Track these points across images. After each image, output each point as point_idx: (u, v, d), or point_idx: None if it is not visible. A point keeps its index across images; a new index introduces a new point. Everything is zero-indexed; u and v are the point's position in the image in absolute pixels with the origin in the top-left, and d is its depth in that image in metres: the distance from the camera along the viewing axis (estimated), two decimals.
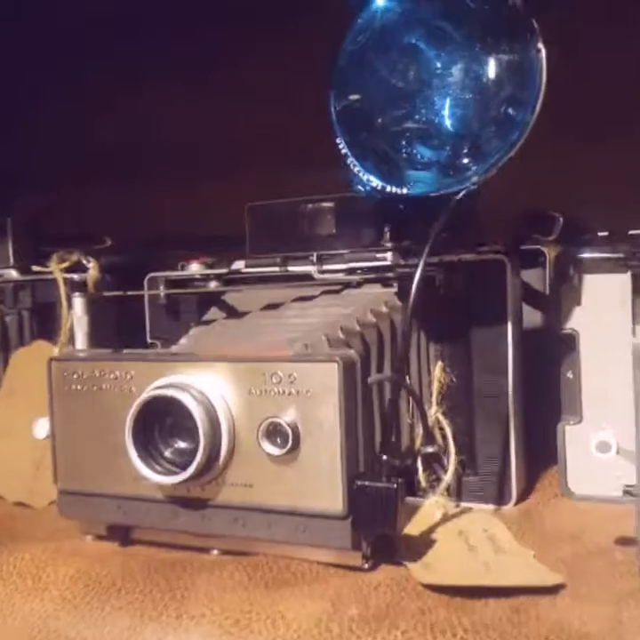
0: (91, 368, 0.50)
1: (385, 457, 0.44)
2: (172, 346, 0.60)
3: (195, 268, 0.71)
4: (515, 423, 0.59)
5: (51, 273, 0.73)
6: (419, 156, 0.55)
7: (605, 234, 0.62)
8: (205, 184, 0.97)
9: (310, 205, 0.67)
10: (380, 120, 0.53)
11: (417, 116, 0.53)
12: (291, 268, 0.67)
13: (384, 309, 0.60)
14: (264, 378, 0.45)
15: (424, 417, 0.58)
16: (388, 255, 0.63)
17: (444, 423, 0.60)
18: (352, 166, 0.51)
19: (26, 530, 0.56)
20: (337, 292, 0.65)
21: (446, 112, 0.52)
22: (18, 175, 1.06)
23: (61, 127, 1.02)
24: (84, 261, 0.75)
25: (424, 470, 0.59)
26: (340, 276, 0.65)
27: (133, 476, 0.48)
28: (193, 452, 0.45)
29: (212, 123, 0.97)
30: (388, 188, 0.50)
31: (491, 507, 0.59)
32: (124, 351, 0.51)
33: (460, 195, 0.47)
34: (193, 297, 0.69)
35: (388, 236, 0.58)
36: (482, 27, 0.49)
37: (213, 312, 0.65)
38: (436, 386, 0.61)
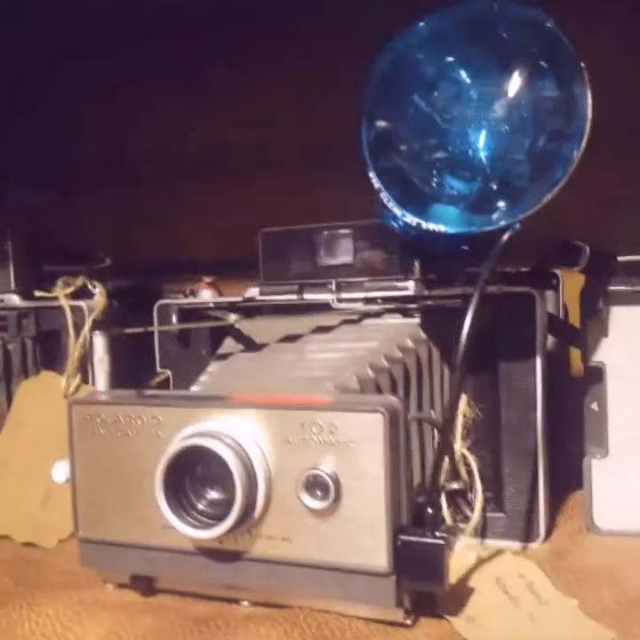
0: (114, 412, 0.47)
1: (430, 510, 0.42)
2: (192, 383, 0.58)
3: (207, 296, 0.69)
4: (543, 457, 0.58)
5: (55, 298, 0.70)
6: (448, 189, 0.53)
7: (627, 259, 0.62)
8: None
9: (327, 232, 0.65)
10: (410, 148, 0.52)
11: (450, 147, 0.52)
12: (307, 296, 0.65)
13: (409, 343, 0.58)
14: (303, 427, 0.43)
15: (450, 452, 0.57)
16: (410, 285, 0.61)
17: (470, 458, 0.59)
18: (385, 200, 0.49)
19: (42, 576, 0.53)
20: (356, 322, 0.63)
21: (481, 144, 0.50)
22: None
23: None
24: (90, 286, 0.72)
25: (448, 506, 0.58)
26: (359, 305, 0.63)
27: (161, 526, 0.46)
28: (227, 504, 0.43)
29: None
30: (424, 226, 0.48)
31: (517, 544, 0.58)
32: (147, 393, 0.49)
33: (508, 234, 0.45)
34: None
35: (417, 268, 0.56)
36: (522, 57, 0.47)
37: (229, 344, 0.63)
38: (460, 420, 0.59)
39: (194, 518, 0.44)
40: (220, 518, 0.43)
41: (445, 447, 0.52)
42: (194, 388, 0.54)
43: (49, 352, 0.72)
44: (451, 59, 0.49)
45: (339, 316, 0.63)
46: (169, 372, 0.69)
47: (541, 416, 0.57)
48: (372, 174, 0.50)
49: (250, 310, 0.66)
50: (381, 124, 0.52)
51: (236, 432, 0.44)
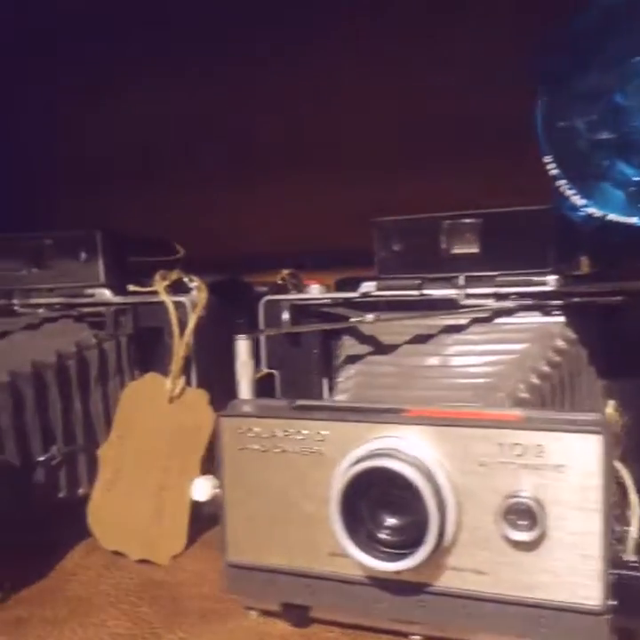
0: (270, 426, 0.43)
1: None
2: (303, 385, 0.53)
3: (316, 291, 0.64)
4: None
5: (154, 293, 0.65)
6: (618, 174, 0.48)
7: None
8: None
9: (451, 221, 0.60)
10: (581, 127, 0.47)
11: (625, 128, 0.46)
12: (429, 292, 0.60)
13: (562, 345, 0.53)
14: (501, 448, 0.38)
15: None
16: (550, 279, 0.56)
17: (623, 471, 0.54)
18: (564, 189, 0.44)
19: (176, 603, 0.49)
20: (487, 320, 0.58)
21: None
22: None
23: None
24: (186, 280, 0.68)
25: None
26: (490, 301, 0.59)
27: (327, 553, 0.42)
28: (414, 532, 0.39)
29: None
30: (610, 217, 0.43)
31: None
32: (301, 403, 0.44)
33: None
34: (316, 322, 0.62)
35: (585, 264, 0.52)
36: None
37: (351, 345, 0.58)
38: None
39: (373, 547, 0.40)
40: (404, 547, 0.39)
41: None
42: (339, 397, 0.49)
43: (143, 351, 0.68)
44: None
45: (467, 313, 0.58)
46: (276, 373, 0.64)
47: None
48: (548, 159, 0.45)
49: (362, 307, 0.62)
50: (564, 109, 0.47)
51: (420, 452, 0.39)
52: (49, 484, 0.59)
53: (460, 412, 0.41)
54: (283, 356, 0.64)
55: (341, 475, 0.40)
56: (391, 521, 0.40)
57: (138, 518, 0.58)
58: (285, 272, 0.85)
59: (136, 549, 0.57)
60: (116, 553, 0.57)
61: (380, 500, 0.40)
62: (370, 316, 0.54)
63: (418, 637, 0.43)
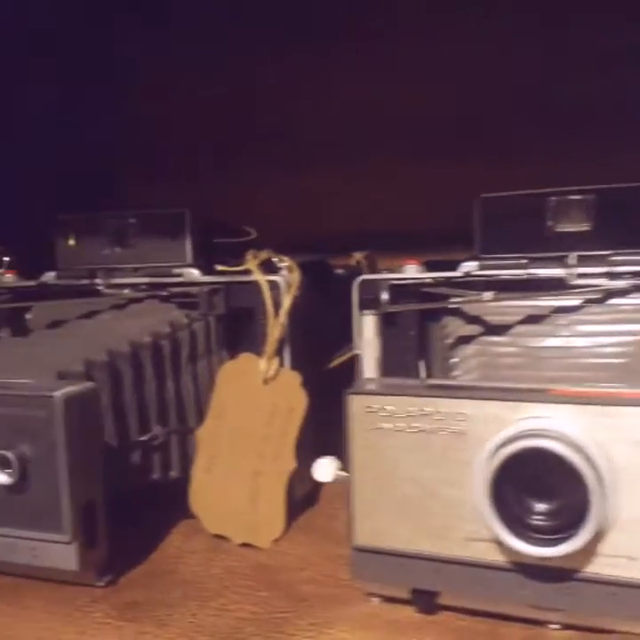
0: (405, 404, 0.41)
1: None
2: (399, 367, 0.51)
3: (414, 270, 0.62)
4: None
5: (246, 272, 0.64)
6: None
7: None
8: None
9: (560, 197, 0.58)
10: None
11: None
12: (536, 271, 0.58)
13: None
14: None
15: None
16: None
17: None
18: None
19: (292, 586, 0.48)
20: (600, 301, 0.56)
21: None
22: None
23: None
24: (275, 260, 0.66)
25: None
26: (603, 281, 0.56)
27: (462, 537, 0.40)
28: (567, 516, 0.37)
29: None
30: None
31: None
32: (430, 381, 0.42)
33: None
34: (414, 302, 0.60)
35: None
36: None
37: (460, 325, 0.56)
38: None
39: (523, 533, 0.38)
40: (556, 532, 0.37)
41: None
42: (458, 376, 0.47)
43: (231, 331, 0.66)
44: None
45: (583, 293, 0.56)
46: None
47: None
48: None
49: (460, 287, 0.60)
50: None
51: (574, 432, 0.37)
52: (145, 466, 0.58)
53: (609, 391, 0.39)
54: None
55: (489, 456, 0.38)
56: (542, 505, 0.38)
57: (236, 502, 0.57)
58: (359, 254, 0.83)
59: (238, 533, 0.55)
60: (217, 536, 0.55)
61: (529, 483, 0.38)
62: (488, 294, 0.52)
63: (556, 626, 0.41)
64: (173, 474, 0.61)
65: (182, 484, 0.59)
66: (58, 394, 0.45)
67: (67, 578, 0.48)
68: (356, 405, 0.42)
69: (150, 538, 0.55)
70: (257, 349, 0.62)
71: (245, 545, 0.55)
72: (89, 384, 0.48)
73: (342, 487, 0.65)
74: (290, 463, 0.59)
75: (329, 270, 0.76)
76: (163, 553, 0.53)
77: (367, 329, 0.44)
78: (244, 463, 0.58)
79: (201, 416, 0.63)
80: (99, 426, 0.50)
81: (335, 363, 0.71)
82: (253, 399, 0.60)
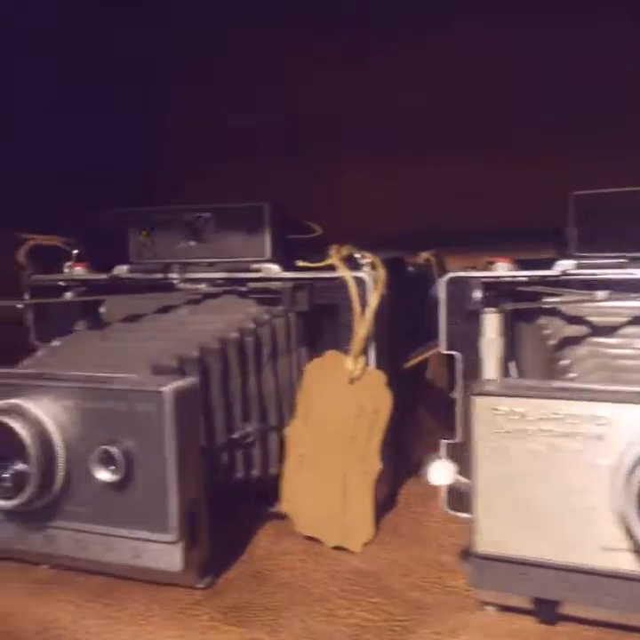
0: (535, 406, 0.39)
1: None
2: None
3: (505, 268, 0.60)
4: None
5: (328, 268, 0.62)
6: None
7: None
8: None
9: None
10: None
11: None
12: (634, 271, 0.56)
13: None
14: None
15: None
16: None
17: None
18: None
19: (398, 592, 0.46)
20: None
21: None
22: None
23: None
24: (357, 256, 0.64)
25: None
26: None
27: (599, 546, 0.38)
28: None
29: None
30: None
31: None
32: (557, 384, 0.41)
33: None
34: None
35: None
36: None
37: (560, 326, 0.54)
38: None
39: None
40: None
41: None
42: (573, 377, 0.45)
43: (310, 329, 0.65)
44: None
45: None
46: (457, 355, 0.61)
47: None
48: None
49: (550, 285, 0.58)
50: None
51: None
52: (232, 465, 0.56)
53: None
54: (465, 337, 0.60)
55: (635, 462, 0.36)
56: None
57: (327, 503, 0.55)
58: (425, 254, 0.82)
59: (330, 536, 0.54)
60: (308, 538, 0.54)
61: None
62: (602, 294, 0.50)
63: None
64: (256, 473, 0.59)
65: (267, 483, 0.57)
66: (167, 389, 0.44)
67: (167, 579, 0.46)
68: (482, 407, 0.40)
69: (239, 539, 0.54)
70: (336, 347, 0.61)
71: (337, 548, 0.53)
72: (192, 379, 0.47)
73: (419, 489, 0.64)
74: (376, 465, 0.57)
75: (404, 268, 0.75)
76: (254, 555, 0.52)
77: (490, 328, 0.43)
78: (332, 464, 0.57)
79: (281, 414, 0.62)
80: (198, 422, 0.48)
81: (412, 362, 0.69)
82: (339, 398, 0.59)
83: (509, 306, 0.50)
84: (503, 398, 0.40)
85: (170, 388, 0.44)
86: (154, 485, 0.44)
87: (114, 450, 0.44)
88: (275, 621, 0.43)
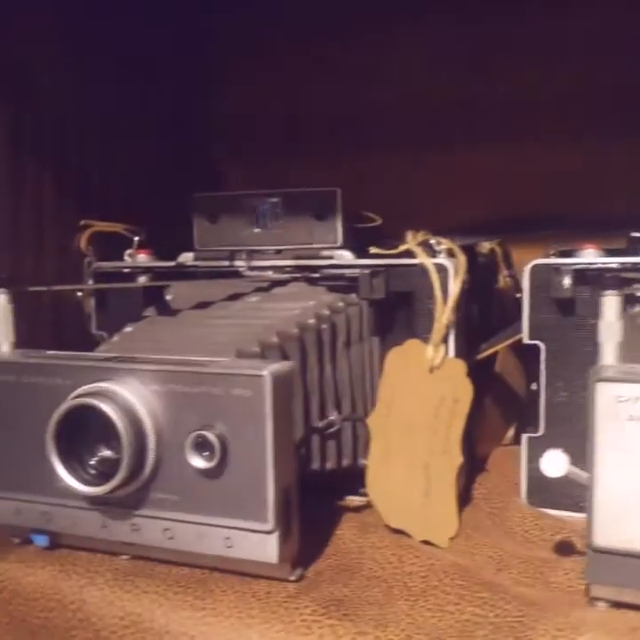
0: None
1: None
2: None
3: (594, 255, 0.58)
4: None
5: (405, 255, 0.60)
6: None
7: None
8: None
9: None
10: None
11: None
12: None
13: None
14: None
15: None
16: None
17: None
18: None
19: (502, 587, 0.44)
20: None
21: None
22: None
23: None
24: (433, 242, 0.62)
25: None
26: None
27: None
28: None
29: None
30: None
31: None
32: None
33: None
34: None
35: None
36: None
37: None
38: None
39: None
40: None
41: None
42: None
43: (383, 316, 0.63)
44: None
45: None
46: (541, 345, 0.59)
47: None
48: None
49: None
50: None
51: None
52: (310, 454, 0.55)
53: None
54: (551, 326, 0.58)
55: None
56: None
57: (412, 496, 0.53)
58: (488, 244, 0.80)
59: (417, 529, 0.52)
60: (394, 530, 0.52)
61: None
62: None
63: None
64: (340, 462, 0.58)
65: (349, 472, 0.56)
66: (266, 372, 0.42)
67: (258, 570, 0.45)
68: (605, 394, 0.38)
69: (323, 530, 0.52)
70: (409, 336, 0.59)
71: (424, 542, 0.51)
72: (288, 363, 0.45)
73: (491, 484, 0.62)
74: (457, 457, 0.55)
75: (476, 256, 0.73)
76: (340, 547, 0.50)
77: (609, 311, 0.40)
78: (415, 455, 0.55)
79: (354, 404, 0.60)
80: (292, 408, 0.46)
81: (486, 353, 0.67)
82: (420, 388, 0.57)
83: (628, 290, 0.48)
84: (626, 384, 0.38)
85: (269, 371, 0.42)
86: (250, 472, 0.42)
87: (210, 435, 0.42)
88: (382, 616, 0.41)
